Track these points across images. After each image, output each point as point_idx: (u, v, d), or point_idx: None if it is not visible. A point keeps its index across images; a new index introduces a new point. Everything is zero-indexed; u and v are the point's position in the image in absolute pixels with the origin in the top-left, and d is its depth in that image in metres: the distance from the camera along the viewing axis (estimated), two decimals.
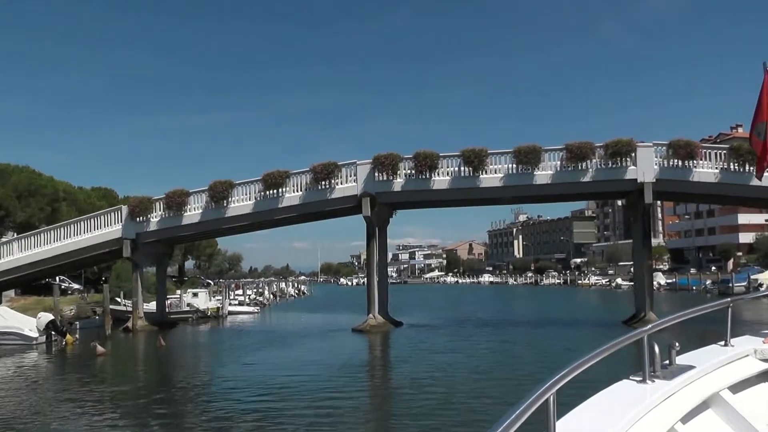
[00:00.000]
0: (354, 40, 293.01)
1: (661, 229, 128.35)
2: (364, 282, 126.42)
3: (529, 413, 2.13)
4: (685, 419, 3.38)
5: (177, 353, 29.25)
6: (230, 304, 53.37)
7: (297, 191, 34.66)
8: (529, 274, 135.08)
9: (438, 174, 33.14)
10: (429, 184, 33.09)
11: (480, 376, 19.03)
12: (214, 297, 52.28)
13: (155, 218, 37.46)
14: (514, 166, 32.41)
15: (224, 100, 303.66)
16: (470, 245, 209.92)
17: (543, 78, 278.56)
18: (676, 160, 31.19)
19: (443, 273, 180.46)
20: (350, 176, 34.13)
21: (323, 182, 33.95)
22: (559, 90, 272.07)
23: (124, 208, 38.07)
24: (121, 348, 31.74)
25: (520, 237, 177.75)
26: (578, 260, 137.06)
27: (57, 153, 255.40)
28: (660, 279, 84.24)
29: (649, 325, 3.46)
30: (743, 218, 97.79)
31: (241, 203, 35.69)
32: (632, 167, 31.47)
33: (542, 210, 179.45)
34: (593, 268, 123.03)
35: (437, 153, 32.94)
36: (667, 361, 3.70)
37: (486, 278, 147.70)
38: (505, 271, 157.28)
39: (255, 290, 69.52)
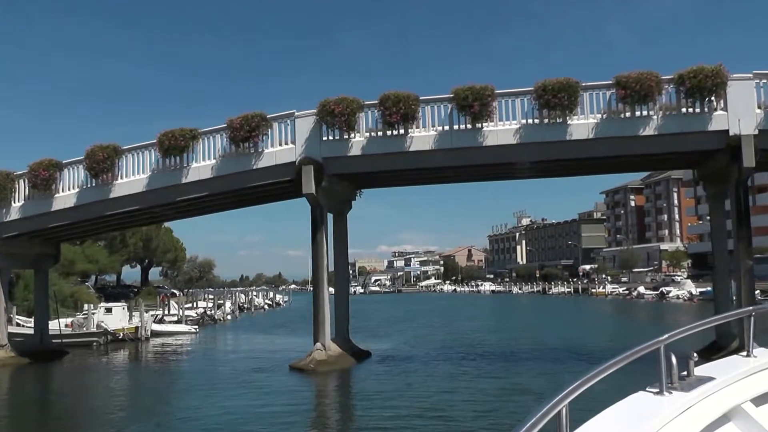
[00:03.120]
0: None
1: (679, 232, 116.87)
2: (355, 291, 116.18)
3: (541, 425, 2.07)
4: None
5: None
6: (163, 322, 42.49)
7: (209, 159, 23.31)
8: (536, 283, 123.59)
9: (419, 129, 21.63)
10: (404, 144, 21.48)
11: None
12: (149, 312, 40.99)
13: (18, 203, 26.31)
14: (536, 115, 20.90)
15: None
16: (469, 251, 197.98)
17: None
18: None
19: (440, 281, 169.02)
20: (286, 135, 22.72)
21: (245, 144, 22.52)
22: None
23: None
24: None
25: (524, 242, 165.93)
26: (587, 267, 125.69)
27: None
28: (690, 287, 73.10)
29: (666, 335, 3.20)
30: None
31: (131, 178, 24.36)
32: (720, 112, 19.99)
33: (548, 212, 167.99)
34: (604, 276, 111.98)
35: (416, 95, 21.34)
36: (685, 372, 3.42)
37: (487, 287, 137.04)
38: (507, 279, 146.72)
39: (212, 302, 57.49)
